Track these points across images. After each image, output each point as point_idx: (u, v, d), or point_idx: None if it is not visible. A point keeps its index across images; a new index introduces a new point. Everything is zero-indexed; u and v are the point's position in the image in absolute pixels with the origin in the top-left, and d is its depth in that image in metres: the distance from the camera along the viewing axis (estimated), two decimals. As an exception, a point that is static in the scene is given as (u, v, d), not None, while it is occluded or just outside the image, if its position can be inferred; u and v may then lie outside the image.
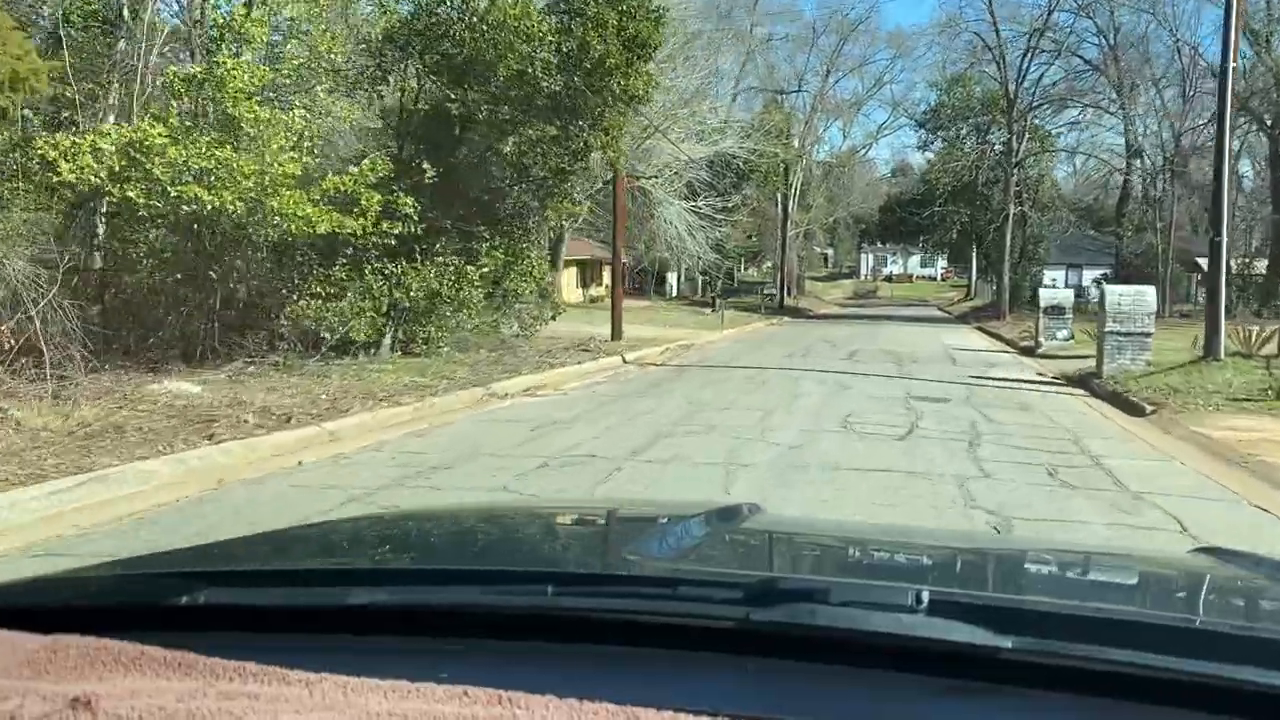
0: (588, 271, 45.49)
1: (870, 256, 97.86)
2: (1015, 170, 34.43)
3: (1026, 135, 33.96)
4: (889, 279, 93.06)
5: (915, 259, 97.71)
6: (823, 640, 0.92)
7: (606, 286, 54.08)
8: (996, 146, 36.54)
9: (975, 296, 66.70)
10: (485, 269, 14.53)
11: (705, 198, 32.02)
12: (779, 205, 50.32)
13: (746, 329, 29.46)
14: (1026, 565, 1.68)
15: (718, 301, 36.04)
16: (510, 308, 15.63)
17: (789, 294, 63.71)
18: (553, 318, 17.20)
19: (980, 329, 31.79)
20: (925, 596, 0.95)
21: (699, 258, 31.70)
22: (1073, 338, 20.66)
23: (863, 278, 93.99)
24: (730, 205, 31.60)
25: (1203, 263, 46.95)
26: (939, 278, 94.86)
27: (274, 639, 1.01)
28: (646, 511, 2.52)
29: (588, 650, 0.96)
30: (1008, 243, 34.66)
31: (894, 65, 69.99)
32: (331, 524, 2.43)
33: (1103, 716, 0.87)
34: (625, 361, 16.48)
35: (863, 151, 63.09)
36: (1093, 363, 15.61)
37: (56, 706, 0.72)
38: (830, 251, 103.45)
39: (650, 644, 0.96)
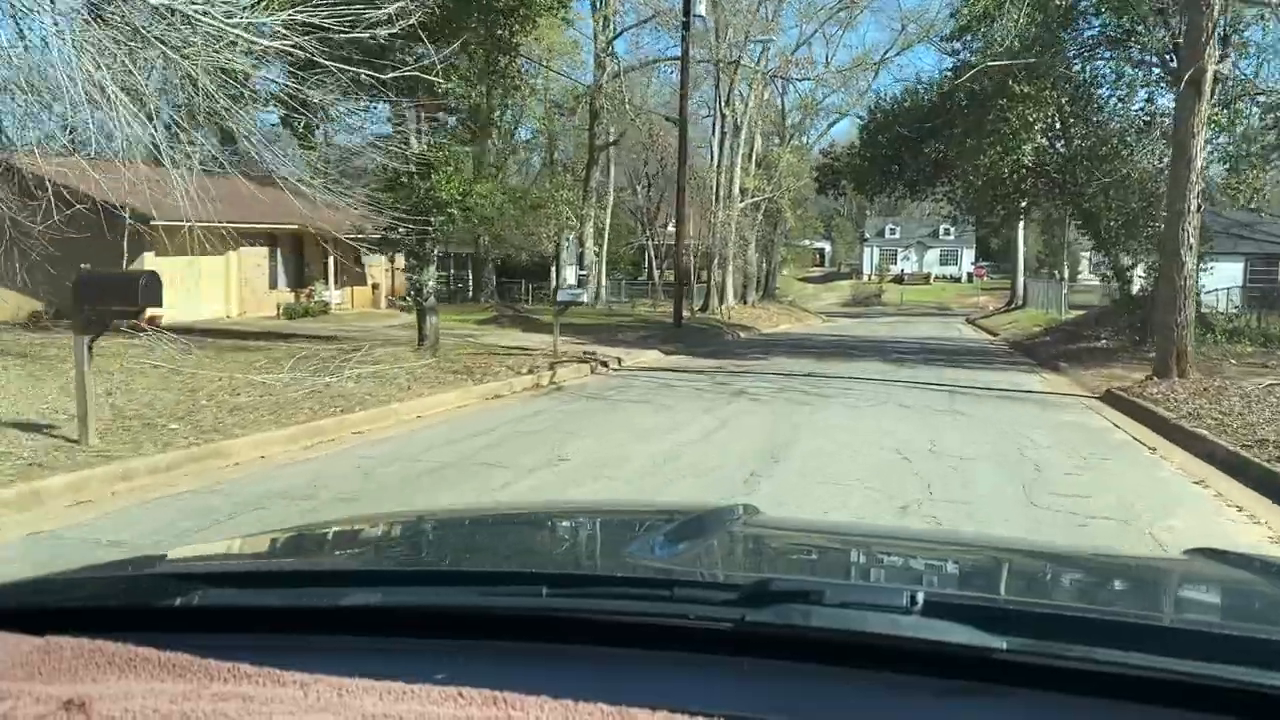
0: (322, 256, 23.51)
1: (875, 250, 76.33)
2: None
3: None
4: (899, 279, 71.33)
5: (933, 253, 76.12)
6: (818, 641, 0.91)
7: (376, 286, 27.48)
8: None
9: (1026, 304, 44.18)
10: None
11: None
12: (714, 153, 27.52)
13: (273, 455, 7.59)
14: (1022, 566, 1.63)
15: (428, 320, 14.09)
16: None
17: (745, 300, 41.73)
18: None
19: (1186, 438, 9.76)
20: (920, 598, 0.94)
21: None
22: None
23: (865, 278, 72.38)
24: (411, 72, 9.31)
25: None
26: (967, 277, 72.26)
27: (268, 640, 0.99)
28: (642, 513, 2.50)
29: (582, 651, 0.96)
30: (1196, 160, 12.32)
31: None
32: (327, 525, 2.40)
33: (1097, 717, 0.86)
34: None
35: (861, 68, 40.00)
36: None
37: (50, 709, 0.72)
38: (826, 246, 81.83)
39: (645, 645, 0.95)
